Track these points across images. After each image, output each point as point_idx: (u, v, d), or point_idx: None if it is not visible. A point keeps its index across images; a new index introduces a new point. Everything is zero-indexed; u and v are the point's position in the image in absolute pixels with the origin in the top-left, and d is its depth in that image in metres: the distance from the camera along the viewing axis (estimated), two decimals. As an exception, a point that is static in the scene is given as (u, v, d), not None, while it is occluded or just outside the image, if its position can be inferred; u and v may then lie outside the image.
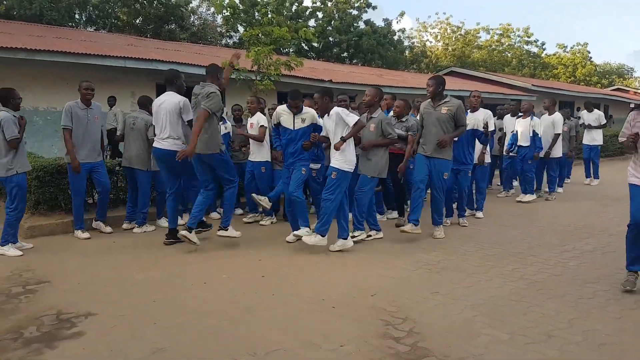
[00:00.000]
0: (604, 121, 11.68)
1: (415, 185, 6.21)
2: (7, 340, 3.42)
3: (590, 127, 11.52)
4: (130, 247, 5.91)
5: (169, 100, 5.76)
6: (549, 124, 9.35)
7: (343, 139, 5.51)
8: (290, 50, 23.10)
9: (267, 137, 7.10)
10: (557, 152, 9.45)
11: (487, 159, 8.00)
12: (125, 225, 6.74)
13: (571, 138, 10.49)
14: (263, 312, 3.90)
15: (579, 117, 12.32)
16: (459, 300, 4.13)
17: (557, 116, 9.48)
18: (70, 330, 3.58)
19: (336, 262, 5.31)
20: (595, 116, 11.63)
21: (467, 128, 7.00)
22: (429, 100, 6.30)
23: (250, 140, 7.15)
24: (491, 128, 7.63)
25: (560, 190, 10.11)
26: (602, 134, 11.79)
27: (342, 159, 5.61)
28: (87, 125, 6.18)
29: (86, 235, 6.21)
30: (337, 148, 5.53)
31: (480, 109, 7.58)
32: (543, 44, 40.18)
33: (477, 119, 7.37)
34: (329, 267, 5.11)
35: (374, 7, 29.14)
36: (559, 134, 9.39)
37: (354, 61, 28.23)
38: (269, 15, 12.15)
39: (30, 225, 6.32)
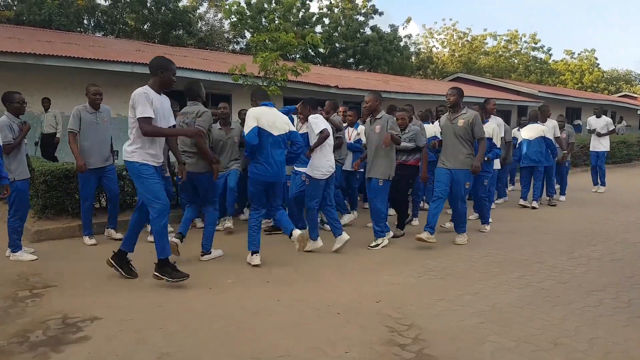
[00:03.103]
0: (612, 127, 11.58)
1: (434, 196, 6.25)
2: (13, 344, 3.43)
3: (599, 134, 11.44)
4: (136, 252, 5.91)
5: None
6: (550, 129, 9.39)
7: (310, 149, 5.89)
8: (297, 56, 23.17)
9: None
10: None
11: (498, 165, 8.07)
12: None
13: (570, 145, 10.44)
14: (268, 318, 3.91)
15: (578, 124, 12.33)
16: (465, 307, 4.12)
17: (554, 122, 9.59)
18: (76, 334, 3.59)
19: (341, 268, 5.30)
20: (603, 122, 11.53)
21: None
22: (448, 112, 6.35)
23: None
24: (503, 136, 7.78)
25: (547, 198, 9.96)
26: (609, 141, 11.71)
27: (310, 166, 5.90)
28: (96, 129, 6.18)
29: (93, 241, 6.20)
30: (307, 156, 5.94)
31: (492, 116, 7.68)
32: (549, 50, 40.12)
33: (490, 126, 7.42)
34: (334, 273, 5.10)
35: (381, 13, 29.24)
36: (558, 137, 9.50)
37: (360, 67, 28.26)
38: (276, 22, 12.18)
39: (37, 230, 6.35)
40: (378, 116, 6.18)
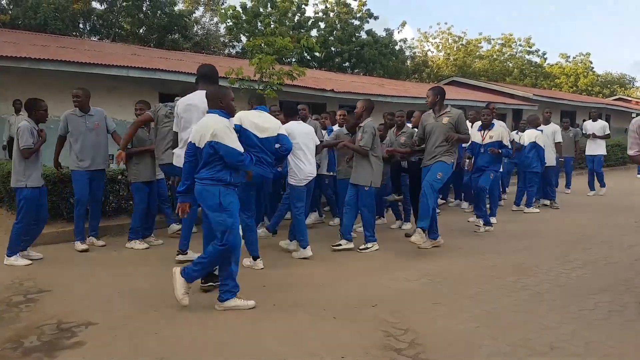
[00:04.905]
0: (608, 131, 11.61)
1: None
2: (7, 350, 3.41)
3: (595, 136, 11.48)
4: (132, 257, 5.90)
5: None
6: (550, 133, 9.49)
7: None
8: (293, 60, 23.19)
9: None
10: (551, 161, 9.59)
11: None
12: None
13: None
14: (265, 323, 3.89)
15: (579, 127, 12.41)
16: (461, 311, 4.12)
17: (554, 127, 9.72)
18: (70, 339, 3.57)
19: (337, 272, 5.29)
20: (599, 126, 11.59)
21: (493, 140, 7.46)
22: (430, 111, 6.38)
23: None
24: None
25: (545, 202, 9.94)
26: (605, 144, 11.77)
27: (289, 173, 5.98)
28: (85, 132, 6.11)
29: (84, 247, 6.11)
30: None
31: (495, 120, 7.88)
32: (544, 53, 40.28)
33: (498, 130, 7.68)
34: (330, 278, 5.09)
35: (376, 18, 29.27)
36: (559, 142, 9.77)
37: (356, 71, 28.29)
38: (272, 26, 12.20)
39: (32, 234, 6.31)
40: (362, 124, 6.24)
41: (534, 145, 9.01)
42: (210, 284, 4.66)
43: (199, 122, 4.32)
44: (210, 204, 4.12)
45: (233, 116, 4.53)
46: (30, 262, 5.52)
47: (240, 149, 4.18)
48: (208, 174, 4.12)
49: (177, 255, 5.62)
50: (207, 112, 4.31)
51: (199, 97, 4.68)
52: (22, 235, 5.55)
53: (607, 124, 11.82)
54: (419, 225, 5.95)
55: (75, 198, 6.20)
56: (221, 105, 4.29)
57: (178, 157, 4.84)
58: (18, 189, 5.51)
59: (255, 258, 5.42)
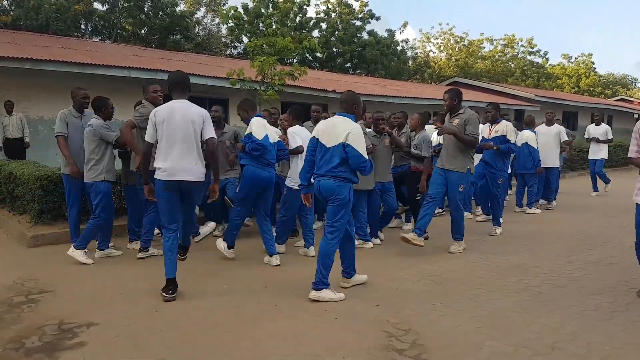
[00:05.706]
0: (611, 136, 11.59)
1: (427, 197, 6.21)
2: (8, 350, 3.41)
3: (598, 140, 11.49)
4: (133, 257, 5.90)
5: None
6: (554, 134, 9.50)
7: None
8: (294, 61, 23.20)
9: None
10: (555, 162, 9.62)
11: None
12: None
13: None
14: (266, 324, 3.89)
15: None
16: (463, 312, 4.11)
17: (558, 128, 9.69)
18: (72, 340, 3.57)
19: (339, 273, 5.28)
20: (602, 130, 11.60)
21: (498, 134, 7.49)
22: (448, 114, 6.37)
23: None
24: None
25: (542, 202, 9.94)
26: (607, 148, 11.79)
27: (288, 177, 6.05)
28: (81, 133, 5.94)
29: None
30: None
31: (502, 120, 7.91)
32: (546, 54, 40.25)
33: (503, 124, 7.73)
34: (331, 279, 5.07)
35: (378, 18, 29.29)
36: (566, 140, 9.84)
37: (358, 71, 28.31)
38: (273, 26, 12.22)
39: (34, 235, 6.33)
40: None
41: (526, 146, 9.03)
42: (174, 295, 4.43)
43: (326, 122, 4.64)
44: (342, 198, 4.43)
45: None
46: (92, 262, 5.55)
47: (366, 155, 4.43)
48: (343, 172, 4.43)
49: (139, 252, 5.85)
50: (336, 114, 4.64)
51: (183, 107, 4.47)
52: (98, 231, 5.67)
53: (609, 128, 11.84)
54: (456, 237, 6.26)
55: (68, 202, 6.06)
56: (354, 110, 4.64)
57: (163, 172, 4.41)
58: (95, 185, 5.61)
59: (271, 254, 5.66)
